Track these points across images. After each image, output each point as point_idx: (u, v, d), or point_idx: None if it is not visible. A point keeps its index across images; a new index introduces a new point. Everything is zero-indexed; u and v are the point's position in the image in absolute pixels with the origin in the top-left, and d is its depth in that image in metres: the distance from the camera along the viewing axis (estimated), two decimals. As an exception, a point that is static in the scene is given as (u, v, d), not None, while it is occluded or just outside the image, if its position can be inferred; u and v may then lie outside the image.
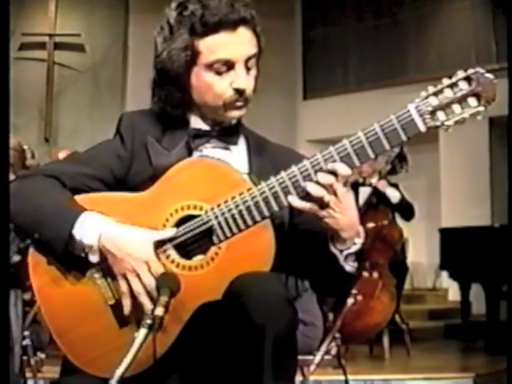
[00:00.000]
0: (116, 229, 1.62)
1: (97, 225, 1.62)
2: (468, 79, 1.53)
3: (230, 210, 1.59)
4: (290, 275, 1.84)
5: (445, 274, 7.30)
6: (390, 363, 5.82)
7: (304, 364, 3.10)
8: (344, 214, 1.58)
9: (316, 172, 1.57)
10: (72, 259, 1.65)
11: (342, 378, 3.56)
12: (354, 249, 1.65)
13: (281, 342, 1.47)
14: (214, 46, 1.68)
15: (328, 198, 1.56)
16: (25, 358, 3.73)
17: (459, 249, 6.69)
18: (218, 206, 1.60)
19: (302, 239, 1.74)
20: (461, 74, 1.54)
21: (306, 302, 2.77)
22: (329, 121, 9.23)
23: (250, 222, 1.59)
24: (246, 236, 1.60)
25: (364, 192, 5.99)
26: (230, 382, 1.53)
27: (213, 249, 1.61)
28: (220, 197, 1.61)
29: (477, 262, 6.42)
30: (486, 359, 6.01)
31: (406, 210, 6.12)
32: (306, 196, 1.57)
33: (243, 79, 1.71)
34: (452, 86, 1.54)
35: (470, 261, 6.52)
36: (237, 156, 1.79)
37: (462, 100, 1.54)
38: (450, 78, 1.55)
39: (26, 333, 3.73)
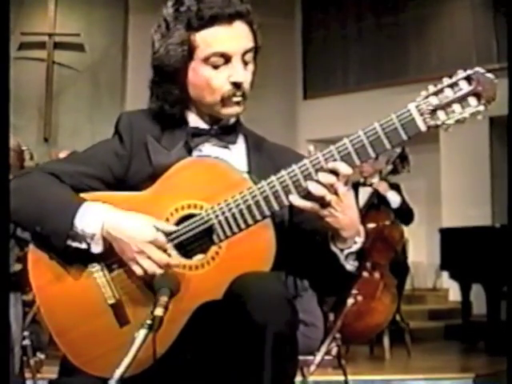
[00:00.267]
0: (118, 215, 1.63)
1: (99, 214, 1.62)
2: (468, 79, 1.54)
3: (230, 209, 1.59)
4: (290, 274, 1.84)
5: (445, 275, 7.30)
6: (390, 364, 5.82)
7: (304, 364, 3.10)
8: (345, 213, 1.58)
9: (317, 171, 1.57)
10: (72, 257, 1.64)
11: (342, 378, 3.56)
12: (354, 248, 1.65)
13: (281, 341, 1.47)
14: (210, 40, 1.70)
15: (329, 197, 1.56)
16: (24, 358, 3.73)
17: (460, 249, 6.69)
18: (219, 205, 1.60)
19: (302, 238, 1.74)
20: (461, 73, 1.55)
21: (307, 303, 2.77)
22: (329, 121, 9.22)
23: (250, 221, 1.59)
24: (247, 235, 1.60)
25: (364, 192, 5.99)
26: (231, 381, 1.53)
27: (213, 248, 1.61)
28: (220, 196, 1.61)
29: (477, 262, 6.42)
30: (487, 360, 6.01)
31: (405, 215, 6.10)
32: (307, 195, 1.57)
33: (240, 72, 1.71)
34: (452, 85, 1.54)
35: (470, 261, 6.52)
36: (236, 155, 1.79)
37: (462, 99, 1.54)
38: (450, 77, 1.55)
39: (26, 333, 3.74)
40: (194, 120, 1.80)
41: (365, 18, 9.73)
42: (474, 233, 6.72)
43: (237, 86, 1.72)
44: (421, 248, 8.87)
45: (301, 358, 2.77)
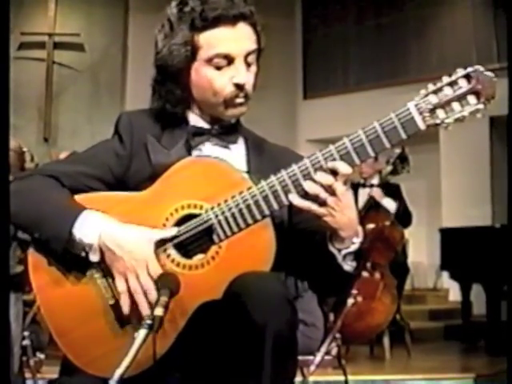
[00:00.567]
0: (116, 227, 1.62)
1: (97, 224, 1.62)
2: (467, 77, 1.54)
3: (230, 209, 1.59)
4: (289, 275, 1.83)
5: (445, 275, 7.30)
6: (390, 364, 5.82)
7: (304, 364, 3.10)
8: (343, 212, 1.58)
9: (316, 171, 1.57)
10: (72, 259, 1.64)
11: (342, 378, 3.55)
12: (352, 248, 1.65)
13: (281, 341, 1.47)
14: (213, 41, 1.70)
15: (324, 195, 1.56)
16: (24, 358, 3.73)
17: (460, 249, 6.69)
18: (219, 204, 1.60)
19: (300, 238, 1.74)
20: (460, 72, 1.55)
21: (307, 303, 2.77)
22: (329, 121, 9.23)
23: (250, 220, 1.59)
24: (247, 235, 1.60)
25: (364, 193, 5.99)
26: (230, 381, 1.53)
27: (213, 248, 1.61)
28: (220, 196, 1.61)
29: (477, 262, 6.42)
30: (487, 360, 6.02)
31: (402, 219, 6.08)
32: (306, 195, 1.57)
33: (243, 74, 1.71)
34: (452, 84, 1.54)
35: (470, 261, 6.52)
36: (236, 155, 1.79)
37: (461, 98, 1.54)
38: (449, 76, 1.55)
39: (26, 333, 3.74)
40: (195, 120, 1.80)
41: (365, 18, 9.73)
42: (474, 233, 6.72)
43: (239, 87, 1.72)
44: (421, 248, 8.87)
45: (301, 358, 2.77)
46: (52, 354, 3.65)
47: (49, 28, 8.83)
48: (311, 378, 3.21)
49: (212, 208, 1.61)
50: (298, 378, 3.12)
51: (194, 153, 1.75)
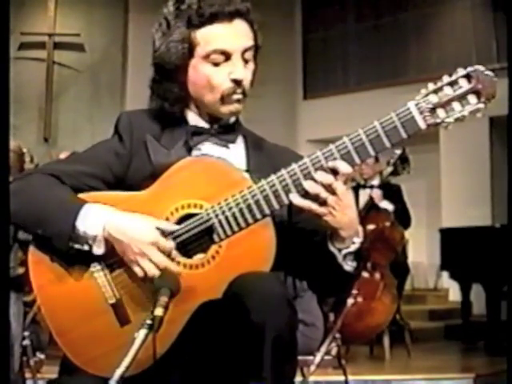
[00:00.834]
0: (120, 217, 1.62)
1: (100, 215, 1.62)
2: (468, 77, 1.54)
3: (230, 208, 1.59)
4: (289, 275, 1.83)
5: (445, 275, 7.30)
6: (390, 364, 5.82)
7: (304, 364, 3.10)
8: (344, 212, 1.58)
9: (316, 170, 1.57)
10: (73, 257, 1.64)
11: (342, 378, 3.56)
12: (352, 248, 1.65)
13: (280, 341, 1.47)
14: (210, 37, 1.71)
15: (325, 195, 1.56)
16: (24, 358, 3.73)
17: (460, 249, 6.69)
18: (219, 204, 1.60)
19: (300, 238, 1.74)
20: (460, 71, 1.55)
21: (307, 303, 2.77)
22: (329, 121, 9.22)
23: (250, 219, 1.59)
24: (247, 234, 1.60)
25: (364, 194, 5.98)
26: (230, 381, 1.53)
27: (213, 247, 1.61)
28: (220, 195, 1.61)
29: (477, 262, 6.43)
30: (487, 360, 6.02)
31: (401, 221, 6.07)
32: (307, 194, 1.57)
33: (240, 69, 1.72)
34: (452, 83, 1.54)
35: (470, 261, 6.52)
36: (235, 154, 1.79)
37: (461, 97, 1.54)
38: (450, 75, 1.55)
39: (26, 333, 3.74)
40: (194, 119, 1.80)
41: (365, 18, 9.73)
42: (474, 233, 6.72)
43: (237, 83, 1.72)
44: (421, 248, 8.87)
45: (301, 358, 2.77)
46: (52, 353, 3.65)
47: (49, 28, 8.83)
48: (311, 378, 3.21)
49: (212, 207, 1.61)
50: (298, 378, 3.12)
51: (194, 152, 1.76)
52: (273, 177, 1.59)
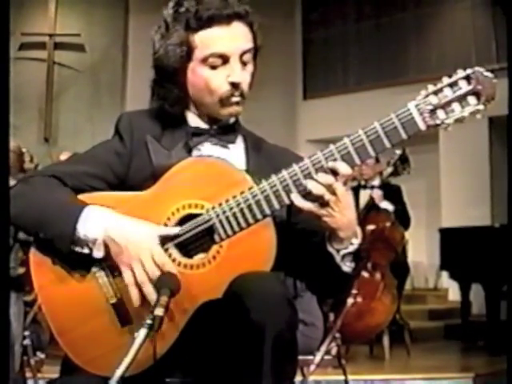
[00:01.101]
0: (121, 221, 1.63)
1: (101, 218, 1.62)
2: (468, 78, 1.54)
3: (231, 209, 1.60)
4: (288, 275, 1.84)
5: (445, 274, 7.31)
6: (390, 363, 5.82)
7: (304, 364, 3.11)
8: (343, 213, 1.59)
9: (317, 170, 1.57)
10: (74, 258, 1.64)
11: (342, 378, 3.56)
12: (351, 249, 1.65)
13: (281, 341, 1.47)
14: (208, 40, 1.71)
15: (328, 196, 1.56)
16: (25, 358, 3.74)
17: (459, 249, 6.69)
18: (220, 204, 1.61)
19: (299, 238, 1.74)
20: (460, 73, 1.55)
21: (307, 303, 2.77)
22: (329, 121, 9.23)
23: (251, 220, 1.59)
24: (248, 234, 1.60)
25: (365, 195, 5.99)
26: (231, 381, 1.53)
27: (214, 247, 1.61)
28: (221, 195, 1.61)
29: (477, 262, 6.43)
30: (486, 359, 6.02)
31: (400, 221, 6.07)
32: (307, 195, 1.58)
33: (238, 73, 1.72)
34: (452, 84, 1.55)
35: (470, 261, 6.53)
36: (235, 154, 1.79)
37: (461, 99, 1.54)
38: (449, 77, 1.55)
39: (26, 333, 3.74)
40: (194, 120, 1.81)
41: (365, 18, 9.73)
42: (474, 233, 6.72)
43: (235, 86, 1.73)
44: (421, 248, 8.87)
45: (301, 357, 2.77)
46: (53, 353, 3.66)
47: (49, 28, 8.82)
48: (311, 378, 3.22)
49: (213, 207, 1.61)
50: (298, 378, 3.13)
51: (194, 153, 1.76)
52: (273, 177, 1.59)
